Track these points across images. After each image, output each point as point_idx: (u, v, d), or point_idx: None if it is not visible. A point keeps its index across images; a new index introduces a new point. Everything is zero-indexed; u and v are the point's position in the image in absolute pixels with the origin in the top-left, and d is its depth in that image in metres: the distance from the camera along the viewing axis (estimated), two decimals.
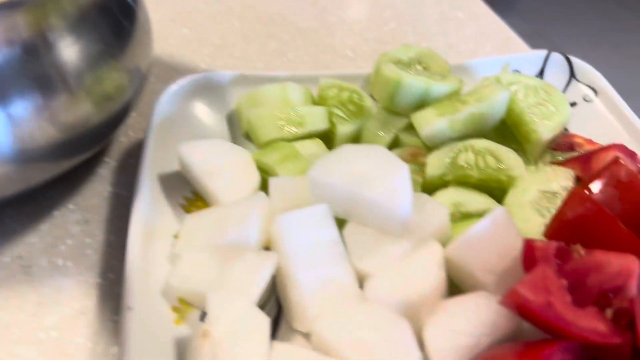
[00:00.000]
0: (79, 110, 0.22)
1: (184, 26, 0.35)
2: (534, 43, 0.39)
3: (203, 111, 0.26)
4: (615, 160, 0.20)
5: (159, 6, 0.37)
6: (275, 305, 0.20)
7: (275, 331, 0.19)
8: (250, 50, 0.34)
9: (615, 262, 0.17)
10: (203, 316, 0.19)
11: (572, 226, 0.18)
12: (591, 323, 0.16)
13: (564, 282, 0.17)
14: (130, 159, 0.27)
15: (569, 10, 2.01)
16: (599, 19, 1.99)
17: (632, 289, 0.17)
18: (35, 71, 0.21)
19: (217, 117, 0.26)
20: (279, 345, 0.16)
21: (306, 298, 0.18)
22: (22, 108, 0.20)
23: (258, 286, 0.18)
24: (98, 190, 0.25)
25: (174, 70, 0.32)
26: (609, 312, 0.17)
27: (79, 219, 0.24)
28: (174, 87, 0.25)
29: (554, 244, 0.18)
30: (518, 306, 0.16)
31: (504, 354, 0.17)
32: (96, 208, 0.24)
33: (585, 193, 0.19)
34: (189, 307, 0.20)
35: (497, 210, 0.19)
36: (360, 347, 0.16)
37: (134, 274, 0.19)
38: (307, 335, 0.18)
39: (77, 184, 0.25)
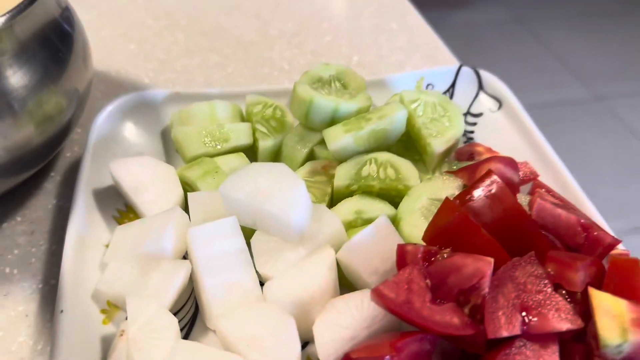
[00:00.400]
0: (22, 132, 0.25)
1: (131, 41, 0.38)
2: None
3: (138, 128, 0.28)
4: (488, 173, 0.23)
5: (109, 21, 0.39)
6: (194, 306, 0.23)
7: (191, 329, 0.22)
8: (192, 64, 0.36)
9: (472, 264, 0.20)
10: None
11: (444, 232, 0.21)
12: (446, 318, 0.19)
13: (428, 282, 0.20)
14: (74, 173, 0.29)
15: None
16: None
17: (485, 288, 0.20)
18: None
19: (152, 133, 0.29)
20: (182, 343, 0.19)
21: (212, 300, 0.21)
22: None
23: (171, 292, 0.21)
24: (43, 203, 0.28)
25: (119, 86, 0.34)
26: (467, 308, 0.20)
27: (25, 230, 0.26)
28: (110, 107, 0.28)
29: (421, 248, 0.21)
30: (382, 303, 0.19)
31: (378, 343, 0.20)
32: (41, 220, 0.27)
33: (454, 203, 0.21)
34: (117, 309, 0.22)
35: (380, 218, 0.22)
36: (253, 342, 0.19)
37: (67, 279, 0.22)
38: None
39: (24, 197, 0.28)
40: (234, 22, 0.40)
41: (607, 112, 1.90)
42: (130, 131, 0.28)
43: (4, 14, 0.22)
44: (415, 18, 0.42)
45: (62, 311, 0.21)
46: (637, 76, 2.11)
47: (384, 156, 0.26)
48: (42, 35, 0.25)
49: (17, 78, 0.24)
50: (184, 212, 0.23)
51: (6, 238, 0.26)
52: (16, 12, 0.23)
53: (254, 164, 0.23)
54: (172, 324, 0.20)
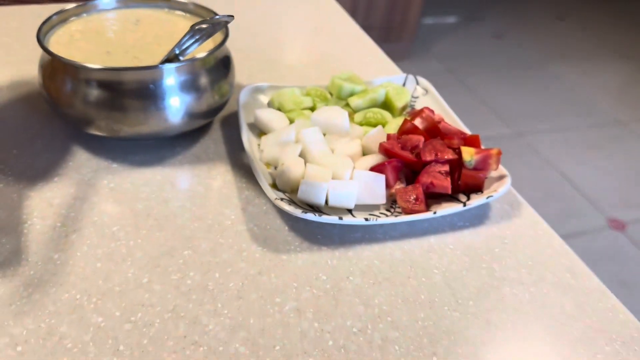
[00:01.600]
0: (212, 100, 0.54)
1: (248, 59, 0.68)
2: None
3: (258, 98, 0.59)
4: (423, 109, 0.54)
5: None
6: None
7: None
8: (272, 77, 0.67)
9: (416, 138, 0.51)
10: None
11: (405, 131, 0.52)
12: (405, 154, 0.50)
13: (399, 144, 0.51)
14: (229, 120, 0.58)
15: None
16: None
17: (421, 145, 0.50)
18: (196, 85, 0.53)
19: (264, 100, 0.59)
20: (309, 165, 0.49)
21: (313, 153, 0.50)
22: (191, 98, 0.52)
23: (297, 151, 0.50)
24: (215, 135, 0.57)
25: (241, 85, 0.64)
26: (414, 153, 0.51)
27: (210, 145, 0.55)
28: (245, 88, 0.58)
29: (396, 135, 0.52)
30: (383, 149, 0.50)
31: (376, 166, 0.50)
32: (218, 143, 0.56)
33: (409, 120, 0.53)
34: (270, 166, 0.52)
35: (378, 127, 0.53)
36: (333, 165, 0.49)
37: (250, 155, 0.51)
38: None
39: (207, 130, 0.57)
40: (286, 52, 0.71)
41: (526, 146, 2.33)
42: (255, 99, 0.58)
43: (211, 50, 0.52)
44: (376, 50, 0.75)
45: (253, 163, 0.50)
46: (551, 116, 2.58)
47: (375, 109, 0.57)
48: (223, 59, 0.55)
49: (213, 75, 0.54)
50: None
51: (202, 149, 0.55)
52: (214, 49, 0.53)
53: (323, 107, 0.54)
54: (300, 162, 0.49)
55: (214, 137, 0.56)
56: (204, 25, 0.47)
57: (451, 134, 0.52)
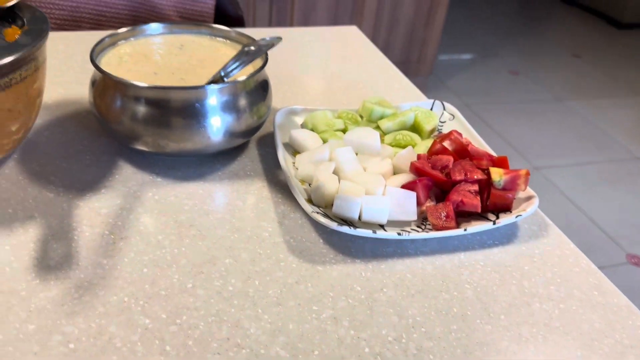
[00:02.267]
0: (251, 120, 0.57)
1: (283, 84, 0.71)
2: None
3: (292, 119, 0.61)
4: (451, 132, 0.57)
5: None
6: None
7: None
8: (304, 102, 0.70)
9: (445, 158, 0.53)
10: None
11: (435, 152, 0.54)
12: (435, 173, 0.52)
13: (429, 164, 0.53)
14: (264, 140, 0.61)
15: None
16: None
17: (450, 166, 0.52)
18: (236, 106, 0.55)
19: (298, 121, 0.62)
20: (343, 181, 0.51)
21: (346, 170, 0.53)
22: (231, 118, 0.55)
23: (330, 169, 0.53)
24: (253, 153, 0.59)
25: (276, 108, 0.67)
26: (444, 173, 0.53)
27: (248, 163, 0.58)
28: (281, 110, 0.61)
29: (426, 155, 0.54)
30: (414, 168, 0.52)
31: (408, 184, 0.52)
32: (254, 161, 0.58)
33: (439, 142, 0.55)
34: (304, 182, 0.54)
35: (408, 147, 0.55)
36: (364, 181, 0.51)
37: (286, 171, 0.53)
38: None
39: (244, 149, 0.59)
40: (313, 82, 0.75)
41: (543, 180, 2.33)
42: (289, 120, 0.61)
43: (252, 73, 0.56)
44: (403, 79, 0.78)
45: (290, 182, 0.53)
46: (567, 151, 2.59)
47: (405, 132, 0.60)
48: (262, 82, 0.59)
49: (252, 97, 0.56)
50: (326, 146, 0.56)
51: (241, 166, 0.57)
52: (255, 72, 0.56)
53: (355, 128, 0.56)
54: (334, 178, 0.51)
55: (251, 156, 0.59)
56: (252, 48, 0.50)
57: (479, 155, 0.54)
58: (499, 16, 4.16)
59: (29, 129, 0.53)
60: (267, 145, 0.61)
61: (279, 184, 0.55)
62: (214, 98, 0.51)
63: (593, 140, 2.53)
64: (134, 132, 0.52)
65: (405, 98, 0.74)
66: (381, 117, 0.61)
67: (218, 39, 0.63)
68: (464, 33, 3.75)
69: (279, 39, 0.53)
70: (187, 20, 0.98)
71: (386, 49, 2.58)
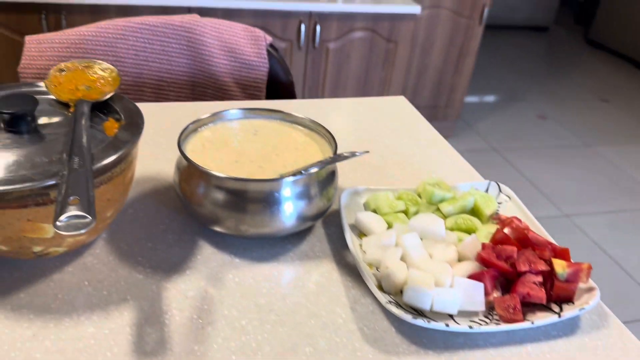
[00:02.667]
0: (321, 204, 0.60)
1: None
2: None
3: (356, 199, 0.65)
4: (512, 220, 0.59)
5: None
6: None
7: None
8: (362, 177, 0.74)
9: (509, 249, 0.55)
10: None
11: (497, 240, 0.57)
12: (501, 264, 0.54)
13: (494, 253, 0.55)
14: (329, 217, 0.65)
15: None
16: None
17: (515, 256, 0.55)
18: (309, 193, 0.59)
19: (361, 201, 0.65)
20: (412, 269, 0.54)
21: (413, 257, 0.55)
22: (304, 203, 0.58)
23: (397, 255, 0.55)
24: (320, 231, 0.63)
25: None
26: (508, 263, 0.55)
27: (317, 242, 0.61)
28: (346, 191, 0.64)
29: (490, 245, 0.56)
30: (480, 259, 0.54)
31: (475, 274, 0.54)
32: (322, 239, 0.62)
33: (501, 230, 0.58)
34: (372, 266, 0.57)
35: (472, 235, 0.58)
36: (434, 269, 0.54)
37: (355, 253, 0.57)
38: None
39: (314, 230, 0.63)
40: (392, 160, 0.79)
41: (573, 228, 2.32)
42: (353, 200, 0.65)
43: (324, 165, 0.60)
44: (453, 152, 0.81)
45: (358, 262, 0.56)
46: (597, 198, 2.57)
47: (465, 216, 0.62)
48: (331, 173, 0.62)
49: (323, 183, 0.60)
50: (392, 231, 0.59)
51: (310, 247, 0.61)
52: (327, 163, 0.60)
53: (420, 214, 0.60)
54: (403, 266, 0.54)
55: (318, 235, 0.62)
56: (343, 154, 0.55)
57: (541, 244, 0.57)
58: (525, 59, 4.20)
59: (119, 211, 0.57)
60: (332, 224, 0.64)
61: (348, 266, 0.58)
62: (289, 189, 0.55)
63: (623, 186, 2.52)
64: (215, 215, 0.56)
65: (459, 175, 0.77)
66: (441, 201, 0.64)
67: (287, 123, 0.67)
68: (490, 75, 3.80)
69: (366, 152, 0.58)
70: (243, 86, 1.04)
71: (415, 94, 2.64)
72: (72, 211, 0.41)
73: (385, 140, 0.85)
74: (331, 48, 2.09)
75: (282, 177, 0.55)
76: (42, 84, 0.59)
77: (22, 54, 0.94)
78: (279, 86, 1.06)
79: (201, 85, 1.01)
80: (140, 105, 0.88)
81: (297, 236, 0.61)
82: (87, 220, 0.41)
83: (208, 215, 0.56)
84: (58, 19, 1.72)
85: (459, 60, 2.62)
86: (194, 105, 0.89)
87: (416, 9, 2.09)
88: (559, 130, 3.07)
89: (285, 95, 1.06)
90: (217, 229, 0.57)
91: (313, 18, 2.00)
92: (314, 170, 0.56)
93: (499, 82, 3.73)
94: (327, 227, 0.64)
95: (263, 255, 0.58)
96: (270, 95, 1.07)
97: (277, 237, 0.60)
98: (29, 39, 0.94)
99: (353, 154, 0.58)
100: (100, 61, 0.61)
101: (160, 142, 0.77)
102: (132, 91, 0.99)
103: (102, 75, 0.60)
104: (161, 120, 0.83)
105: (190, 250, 0.58)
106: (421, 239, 0.59)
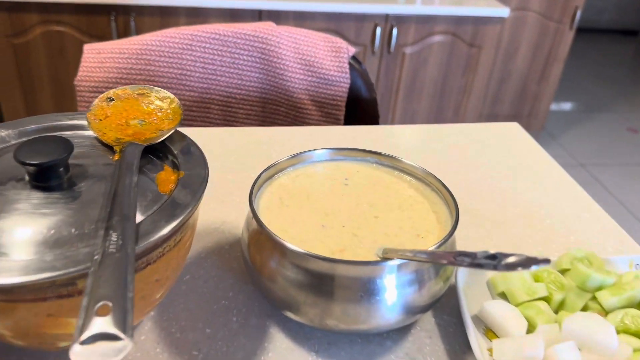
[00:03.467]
0: (436, 288, 0.44)
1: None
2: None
3: (476, 277, 0.49)
4: None
5: None
6: None
7: None
8: (478, 236, 0.58)
9: None
10: None
11: None
12: None
13: None
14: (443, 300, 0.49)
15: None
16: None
17: None
18: (420, 277, 0.44)
19: (483, 280, 0.49)
20: None
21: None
22: (412, 290, 0.42)
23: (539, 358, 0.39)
24: (426, 325, 0.47)
25: None
26: None
27: (426, 335, 0.46)
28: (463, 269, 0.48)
29: None
30: None
31: None
32: (434, 330, 0.46)
33: None
34: None
35: None
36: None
37: (475, 349, 0.41)
38: None
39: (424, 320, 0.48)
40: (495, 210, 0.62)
41: None
42: (472, 278, 0.48)
43: (440, 243, 0.44)
44: (601, 212, 0.63)
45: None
46: None
47: (633, 312, 0.45)
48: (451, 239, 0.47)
49: (419, 286, 0.45)
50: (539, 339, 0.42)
51: (417, 345, 0.46)
52: (448, 236, 0.44)
53: (577, 313, 0.43)
54: None
55: (427, 328, 0.46)
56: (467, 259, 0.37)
57: None
58: (611, 65, 3.84)
59: (172, 286, 0.44)
60: (446, 309, 0.48)
61: None
62: (394, 275, 0.40)
63: None
64: (293, 300, 0.41)
65: (604, 238, 0.59)
66: (600, 288, 0.47)
67: (384, 168, 0.52)
68: (574, 83, 3.48)
69: (546, 261, 0.39)
70: (319, 104, 0.90)
71: (494, 102, 2.41)
72: (99, 326, 0.28)
73: (503, 183, 0.67)
74: (407, 53, 1.92)
75: (385, 259, 0.40)
76: (83, 118, 0.47)
77: (79, 65, 0.84)
78: (359, 103, 0.91)
79: (273, 102, 0.88)
80: (204, 131, 0.75)
81: (399, 329, 0.46)
82: (120, 343, 0.28)
83: (283, 298, 0.42)
84: (127, 20, 1.65)
85: (545, 66, 2.37)
86: (266, 131, 0.75)
87: (504, 12, 1.88)
88: None
89: (367, 114, 0.91)
90: (293, 316, 0.43)
91: (390, 21, 1.83)
92: (431, 249, 0.40)
93: (583, 90, 3.42)
94: (439, 316, 0.48)
95: (354, 355, 0.43)
96: (349, 114, 0.92)
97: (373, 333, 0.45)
98: (88, 48, 0.84)
99: (525, 262, 0.30)
100: (158, 88, 0.48)
101: (227, 181, 0.64)
102: (197, 108, 0.87)
103: (159, 107, 0.47)
104: (229, 150, 0.70)
105: (258, 343, 0.44)
106: (579, 348, 0.42)
